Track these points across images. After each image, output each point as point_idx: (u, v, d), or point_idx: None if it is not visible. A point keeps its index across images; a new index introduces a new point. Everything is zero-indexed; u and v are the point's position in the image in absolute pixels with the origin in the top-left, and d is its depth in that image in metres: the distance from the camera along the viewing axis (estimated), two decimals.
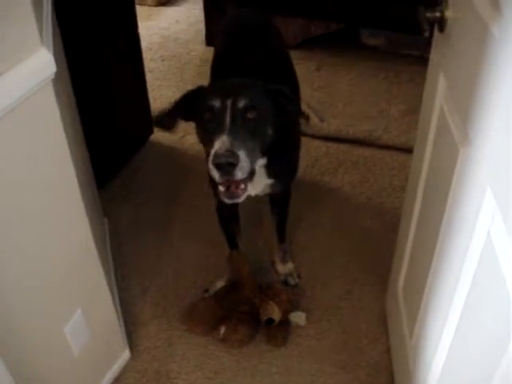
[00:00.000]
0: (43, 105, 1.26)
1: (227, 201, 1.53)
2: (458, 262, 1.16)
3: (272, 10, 2.73)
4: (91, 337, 1.68)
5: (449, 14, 1.27)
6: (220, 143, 1.41)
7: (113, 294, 1.87)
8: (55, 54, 1.27)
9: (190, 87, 3.20)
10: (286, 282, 2.14)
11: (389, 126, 2.92)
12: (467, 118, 1.12)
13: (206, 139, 1.52)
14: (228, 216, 2.05)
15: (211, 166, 1.43)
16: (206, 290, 2.08)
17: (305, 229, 2.37)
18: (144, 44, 2.64)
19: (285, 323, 1.95)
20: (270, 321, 1.89)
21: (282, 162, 1.76)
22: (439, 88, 1.36)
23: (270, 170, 1.73)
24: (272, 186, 1.82)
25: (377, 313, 2.04)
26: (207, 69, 3.36)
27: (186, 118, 1.67)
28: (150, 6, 4.13)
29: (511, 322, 0.88)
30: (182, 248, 2.29)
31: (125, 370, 1.88)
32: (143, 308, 2.06)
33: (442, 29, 1.30)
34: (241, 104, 1.49)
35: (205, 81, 3.20)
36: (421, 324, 1.48)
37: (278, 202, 2.06)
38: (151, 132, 2.83)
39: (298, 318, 1.98)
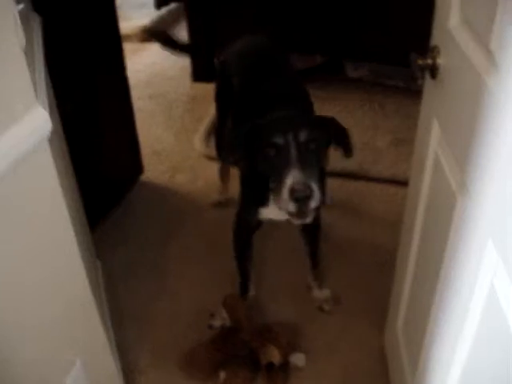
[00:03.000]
0: (39, 163, 1.25)
1: (298, 222, 1.65)
2: (460, 311, 1.16)
3: None
4: None
5: (441, 61, 1.29)
6: (293, 178, 1.53)
7: (109, 341, 1.85)
8: (49, 108, 1.27)
9: (178, 125, 3.26)
10: (320, 308, 2.18)
11: (377, 158, 2.94)
12: (464, 167, 1.13)
13: (272, 174, 1.62)
14: (245, 243, 2.10)
15: (288, 200, 1.54)
16: (210, 326, 2.06)
17: (299, 266, 2.36)
18: (131, 82, 2.65)
19: (284, 366, 1.93)
20: (270, 365, 1.88)
21: None
22: (433, 133, 1.37)
23: None
24: None
25: (375, 350, 2.03)
26: (195, 106, 3.42)
27: (245, 156, 1.73)
28: (134, 42, 4.15)
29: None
30: (177, 290, 2.27)
31: None
32: (141, 354, 2.04)
33: (433, 75, 1.32)
34: (302, 137, 1.59)
35: (192, 118, 3.25)
36: (423, 370, 1.48)
37: (310, 229, 2.10)
38: (141, 172, 2.83)
39: (297, 359, 1.96)
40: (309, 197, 1.53)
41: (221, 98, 2.37)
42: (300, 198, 1.52)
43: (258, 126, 1.68)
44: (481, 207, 1.05)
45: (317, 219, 2.06)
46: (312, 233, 2.12)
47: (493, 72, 0.98)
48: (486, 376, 1.06)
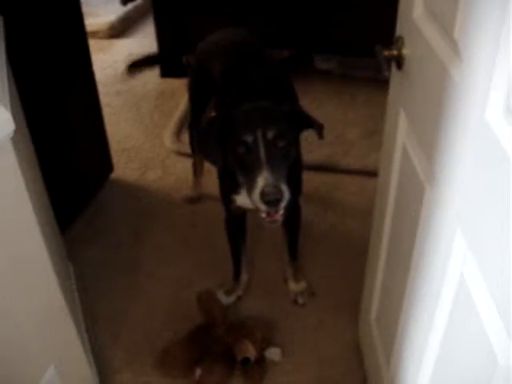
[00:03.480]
0: (3, 164, 1.23)
1: (270, 226, 1.68)
2: (432, 300, 1.16)
3: None
4: None
5: (406, 51, 1.29)
6: (264, 181, 1.55)
7: (83, 343, 1.82)
8: (12, 107, 1.24)
9: (147, 121, 3.23)
10: (295, 301, 2.19)
11: (347, 150, 2.95)
12: (432, 157, 1.14)
13: (242, 170, 1.65)
14: (236, 229, 2.12)
15: (259, 202, 1.57)
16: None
17: (269, 260, 2.36)
18: (98, 78, 2.61)
19: (260, 360, 1.93)
20: (246, 360, 1.87)
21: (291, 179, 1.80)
22: (400, 124, 1.38)
23: None
24: None
25: (350, 342, 2.03)
26: (164, 101, 3.39)
27: (217, 149, 1.73)
28: (101, 38, 4.11)
29: (489, 358, 0.89)
30: (151, 289, 2.25)
31: None
32: (115, 354, 2.01)
33: (399, 66, 1.32)
34: (271, 135, 1.60)
35: (162, 114, 3.22)
36: (398, 356, 1.49)
37: (290, 220, 2.08)
38: (111, 170, 2.80)
39: (273, 354, 1.96)
40: (279, 199, 1.56)
41: (196, 91, 2.35)
42: (271, 201, 1.56)
43: (227, 118, 1.68)
44: (448, 196, 1.05)
45: (296, 210, 2.08)
46: (291, 223, 2.11)
47: (456, 62, 0.99)
48: (459, 364, 1.07)
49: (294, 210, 2.04)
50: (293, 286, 2.21)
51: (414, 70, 1.26)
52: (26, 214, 1.35)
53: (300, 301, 2.18)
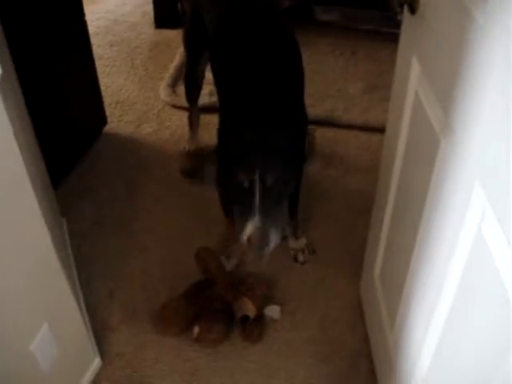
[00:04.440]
0: None
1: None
2: (445, 256, 1.12)
3: None
4: (60, 350, 1.59)
5: None
6: (252, 227, 1.53)
7: (78, 301, 1.78)
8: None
9: (142, 73, 3.13)
10: (295, 259, 2.15)
11: (349, 104, 2.87)
12: (448, 107, 1.07)
13: (236, 204, 1.66)
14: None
15: (244, 244, 1.56)
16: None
17: None
18: (90, 29, 2.49)
19: (259, 318, 1.89)
20: (245, 318, 1.84)
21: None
22: (412, 73, 1.30)
23: None
24: None
25: (351, 300, 2.00)
26: (159, 53, 3.28)
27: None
28: None
29: (506, 314, 0.84)
30: (148, 245, 2.20)
31: (97, 378, 1.80)
32: (111, 312, 1.97)
33: (413, 10, 1.23)
34: (269, 181, 1.53)
35: (156, 66, 3.12)
36: (403, 316, 1.45)
37: None
38: (105, 123, 2.71)
39: (272, 311, 1.93)
40: (264, 247, 1.55)
41: (190, 41, 2.25)
42: (256, 248, 1.56)
43: (229, 150, 1.62)
44: (466, 148, 0.99)
45: (299, 171, 1.99)
46: None
47: (481, 3, 0.91)
48: (472, 322, 1.02)
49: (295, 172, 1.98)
50: (293, 244, 2.16)
51: (429, 13, 1.18)
52: (16, 165, 1.28)
53: (300, 258, 2.14)
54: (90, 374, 1.79)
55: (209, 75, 2.15)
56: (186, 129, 2.58)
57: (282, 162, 1.57)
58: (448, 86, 1.06)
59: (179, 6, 3.43)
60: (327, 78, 3.05)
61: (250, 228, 1.53)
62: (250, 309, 1.83)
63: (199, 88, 2.42)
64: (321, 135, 2.68)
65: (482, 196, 0.93)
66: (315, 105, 2.80)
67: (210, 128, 2.57)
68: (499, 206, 0.86)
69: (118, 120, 2.79)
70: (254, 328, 1.87)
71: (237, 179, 1.55)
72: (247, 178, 1.53)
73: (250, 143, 1.60)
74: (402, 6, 1.28)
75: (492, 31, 0.87)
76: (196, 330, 1.84)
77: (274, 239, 1.56)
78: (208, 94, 2.69)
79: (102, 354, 1.85)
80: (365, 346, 1.86)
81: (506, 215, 0.83)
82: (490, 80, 0.88)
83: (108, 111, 2.75)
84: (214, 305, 1.88)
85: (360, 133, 2.70)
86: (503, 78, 0.82)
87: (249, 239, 1.54)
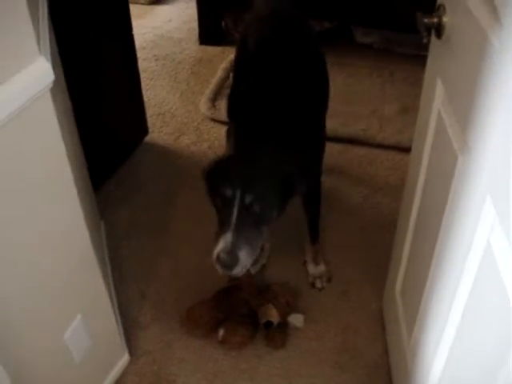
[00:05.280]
0: (41, 114, 1.25)
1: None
2: (457, 270, 1.16)
3: None
4: (91, 342, 1.68)
5: (447, 19, 1.27)
6: (223, 244, 1.52)
7: (111, 298, 1.87)
8: (52, 61, 1.26)
9: (184, 87, 3.24)
10: (313, 284, 2.16)
11: (383, 125, 2.92)
12: (466, 126, 1.13)
13: (218, 219, 1.61)
14: None
15: (214, 260, 1.54)
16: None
17: (292, 229, 2.35)
18: (137, 43, 2.63)
19: (283, 325, 1.95)
20: (269, 323, 1.90)
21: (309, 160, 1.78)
22: (437, 93, 1.36)
23: None
24: None
25: (374, 313, 2.05)
26: (201, 68, 3.40)
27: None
28: (142, 4, 4.11)
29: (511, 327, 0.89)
30: (180, 250, 2.29)
31: (124, 373, 1.89)
32: (142, 311, 2.07)
33: (439, 35, 1.30)
34: (248, 199, 1.53)
35: (198, 80, 3.23)
36: (419, 327, 1.49)
37: (310, 201, 2.07)
38: (146, 133, 2.83)
39: (296, 319, 1.99)
40: (232, 266, 1.53)
41: (238, 63, 2.25)
42: (223, 264, 1.53)
43: (226, 160, 1.68)
44: (480, 164, 1.05)
45: (317, 191, 2.04)
46: (311, 204, 2.09)
47: (497, 28, 0.97)
48: (481, 333, 1.07)
49: (314, 192, 2.02)
50: (312, 270, 2.18)
51: (453, 37, 1.24)
52: (62, 167, 1.38)
53: (318, 285, 2.15)
54: (118, 369, 1.87)
55: None
56: (224, 141, 2.67)
57: (269, 184, 1.58)
58: (466, 105, 1.11)
59: (223, 24, 3.55)
60: (363, 99, 3.11)
61: (221, 244, 1.53)
62: (273, 315, 1.90)
63: None
64: (353, 153, 2.75)
65: (491, 210, 0.98)
66: (349, 124, 2.87)
67: None
68: (506, 220, 0.91)
69: (159, 131, 2.90)
70: (277, 334, 1.93)
71: (220, 190, 1.57)
72: (229, 192, 1.55)
73: (244, 158, 1.65)
74: (428, 31, 1.34)
75: (506, 55, 0.93)
76: (221, 332, 1.92)
77: (243, 261, 1.53)
78: None
79: (131, 350, 1.93)
80: (385, 359, 1.90)
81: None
82: (503, 101, 0.94)
83: (150, 122, 2.86)
84: (239, 309, 1.94)
85: (393, 153, 2.75)
86: None
87: (217, 255, 1.53)
